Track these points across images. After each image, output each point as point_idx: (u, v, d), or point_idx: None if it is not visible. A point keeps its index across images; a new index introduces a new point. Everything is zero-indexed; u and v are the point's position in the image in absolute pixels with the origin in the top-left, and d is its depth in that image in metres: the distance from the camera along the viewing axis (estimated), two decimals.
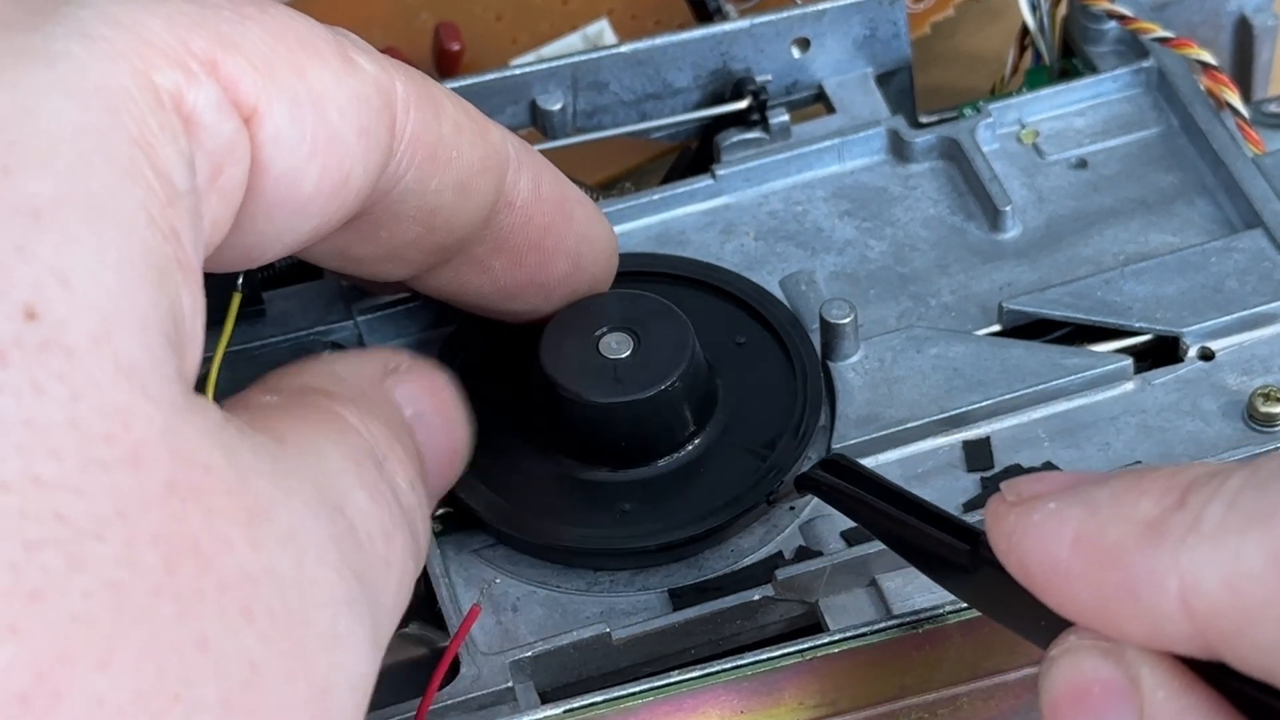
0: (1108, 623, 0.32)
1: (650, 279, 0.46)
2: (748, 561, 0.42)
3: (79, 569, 0.28)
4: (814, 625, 0.41)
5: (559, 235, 0.42)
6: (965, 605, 0.38)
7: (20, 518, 0.28)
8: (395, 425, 0.37)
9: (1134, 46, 0.51)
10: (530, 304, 0.43)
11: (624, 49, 0.50)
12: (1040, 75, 0.53)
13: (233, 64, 0.33)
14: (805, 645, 0.39)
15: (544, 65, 0.50)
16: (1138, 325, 0.46)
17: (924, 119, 0.52)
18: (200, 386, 0.36)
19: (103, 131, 0.31)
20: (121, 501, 0.29)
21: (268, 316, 0.47)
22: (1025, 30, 0.53)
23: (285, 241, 0.36)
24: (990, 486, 0.43)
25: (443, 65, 0.55)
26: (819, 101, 0.52)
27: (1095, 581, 0.32)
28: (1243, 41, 0.53)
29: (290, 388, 0.36)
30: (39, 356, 0.29)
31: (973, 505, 0.43)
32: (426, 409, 0.38)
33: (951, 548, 0.36)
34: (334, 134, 0.35)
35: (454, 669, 0.40)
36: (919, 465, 0.44)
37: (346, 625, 0.31)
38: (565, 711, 0.37)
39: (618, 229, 0.49)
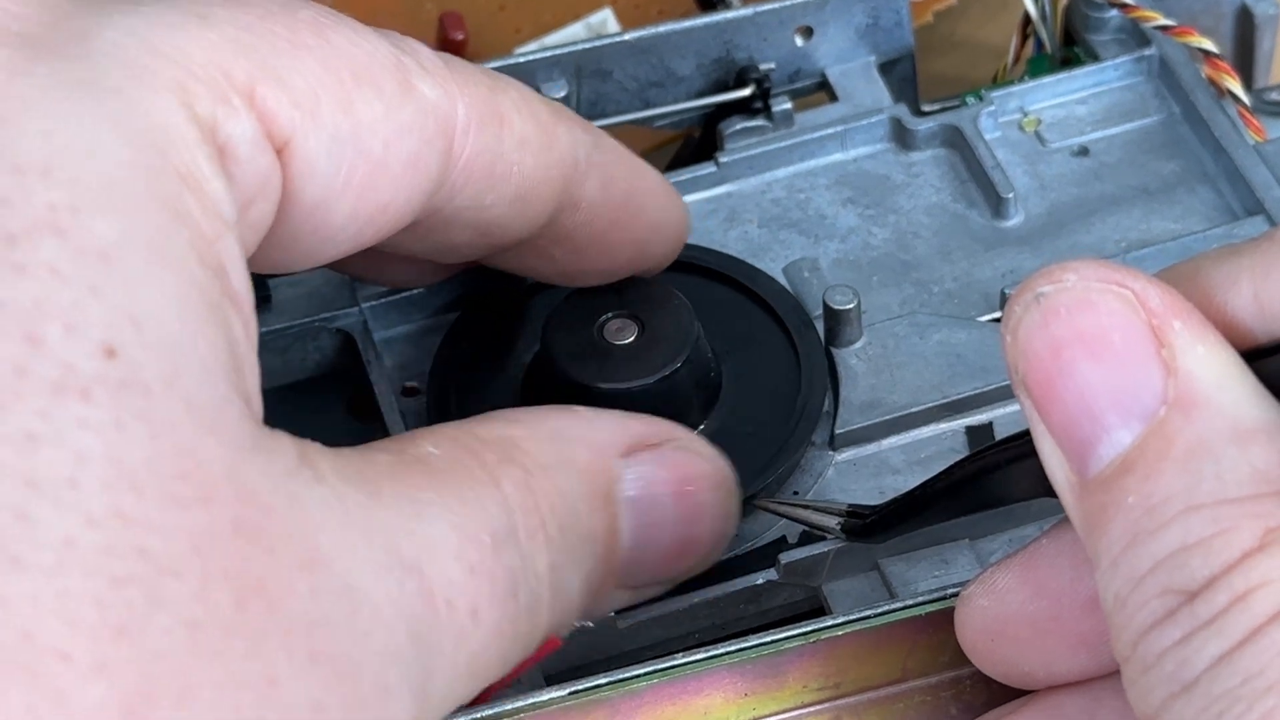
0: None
1: None
2: (752, 546, 0.43)
3: (159, 606, 0.28)
4: (817, 609, 0.42)
5: (625, 228, 0.41)
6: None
7: (107, 554, 0.28)
8: (578, 504, 0.36)
9: (1135, 35, 0.51)
10: (590, 283, 0.43)
11: (627, 37, 0.51)
12: (1042, 63, 0.53)
13: (273, 97, 0.33)
14: (809, 628, 0.39)
15: (547, 54, 0.50)
16: None
17: (926, 107, 0.52)
18: None
19: (154, 171, 0.31)
20: (196, 539, 0.29)
21: (273, 303, 0.47)
22: (1027, 19, 0.53)
23: (314, 260, 0.36)
24: None
25: None
26: (822, 90, 0.52)
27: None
28: (1244, 29, 0.53)
29: (475, 438, 0.35)
30: (119, 395, 0.29)
31: None
32: (661, 494, 0.37)
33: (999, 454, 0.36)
34: (375, 167, 0.35)
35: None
36: (921, 451, 0.44)
37: (396, 681, 0.31)
38: (570, 694, 0.37)
39: None
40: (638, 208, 0.42)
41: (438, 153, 0.36)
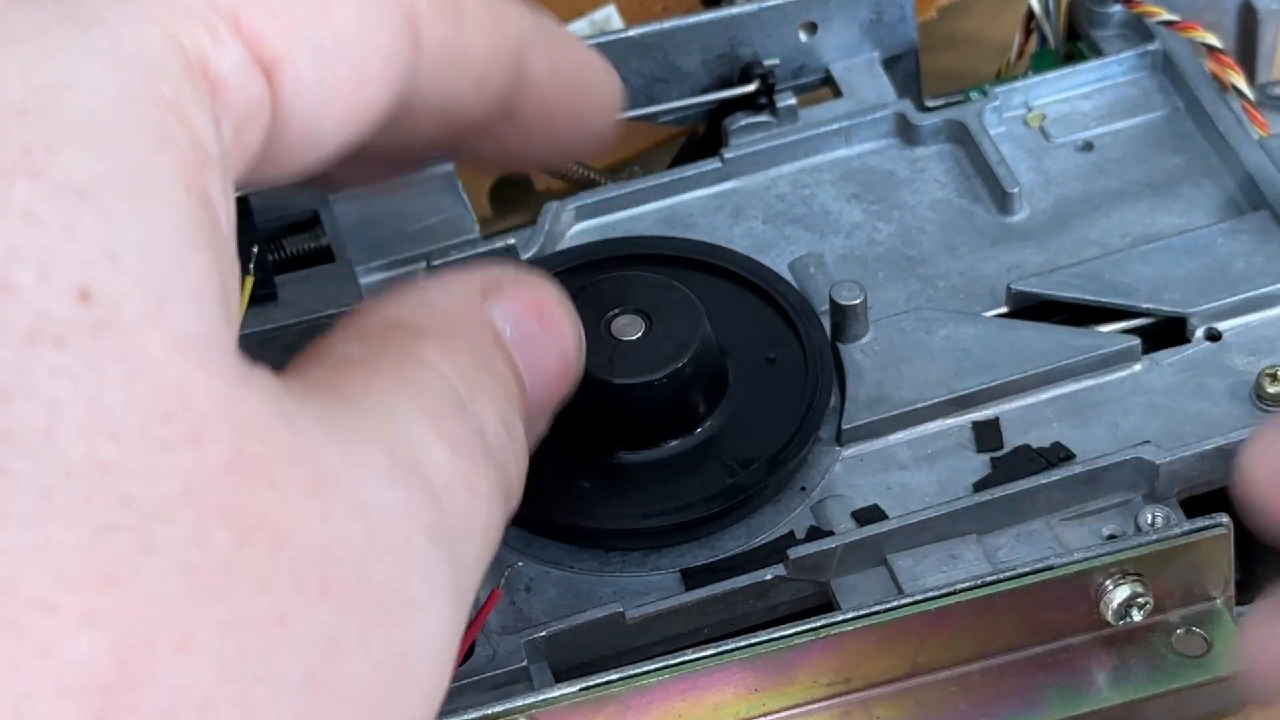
0: None
1: (660, 262, 0.46)
2: (760, 541, 0.43)
3: (150, 552, 0.27)
4: (824, 605, 0.42)
5: (570, 106, 0.42)
6: (977, 585, 0.39)
7: (89, 503, 0.27)
8: (487, 353, 0.36)
9: (1139, 30, 0.51)
10: (532, 166, 0.44)
11: (632, 34, 0.51)
12: (1046, 59, 0.53)
13: (257, 18, 0.33)
14: (819, 624, 0.39)
15: None
16: (1145, 306, 0.46)
17: (930, 103, 0.52)
18: None
19: (137, 99, 0.30)
20: (186, 481, 0.28)
21: (279, 300, 0.47)
22: (1031, 14, 0.53)
23: (304, 171, 0.36)
24: (999, 467, 0.43)
25: None
26: (826, 85, 0.52)
27: None
28: (1247, 24, 0.53)
29: (374, 326, 0.35)
30: (95, 338, 0.28)
31: (983, 485, 0.43)
32: (531, 329, 0.37)
33: None
34: (357, 69, 0.35)
35: (469, 649, 0.40)
36: (928, 446, 0.44)
37: (421, 589, 0.31)
38: (582, 689, 0.38)
39: (626, 214, 0.49)
40: (581, 85, 0.42)
41: (407, 47, 0.36)
